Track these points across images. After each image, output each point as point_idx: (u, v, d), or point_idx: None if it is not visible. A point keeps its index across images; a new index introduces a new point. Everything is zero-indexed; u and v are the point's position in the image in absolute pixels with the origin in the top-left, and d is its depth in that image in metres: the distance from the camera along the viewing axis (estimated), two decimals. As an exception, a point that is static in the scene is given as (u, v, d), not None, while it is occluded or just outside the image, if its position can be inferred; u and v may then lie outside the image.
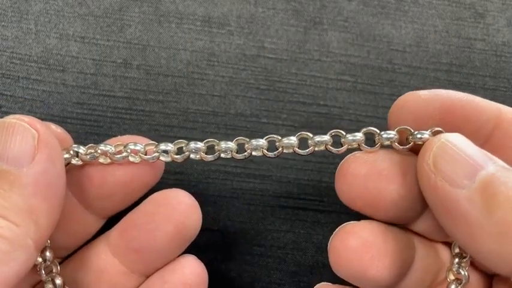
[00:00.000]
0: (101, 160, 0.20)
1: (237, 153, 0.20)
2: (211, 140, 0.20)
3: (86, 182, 0.21)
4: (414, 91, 0.20)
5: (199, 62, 0.25)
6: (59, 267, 0.21)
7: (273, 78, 0.26)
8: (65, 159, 0.20)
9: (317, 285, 0.21)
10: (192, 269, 0.21)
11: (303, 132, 0.20)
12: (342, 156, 0.23)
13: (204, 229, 0.24)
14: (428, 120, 0.19)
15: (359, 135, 0.19)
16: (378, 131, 0.20)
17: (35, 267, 0.20)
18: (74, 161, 0.20)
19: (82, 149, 0.20)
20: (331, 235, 0.25)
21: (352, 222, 0.20)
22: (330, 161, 0.25)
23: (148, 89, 0.25)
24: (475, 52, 0.26)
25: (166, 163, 0.21)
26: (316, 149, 0.20)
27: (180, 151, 0.20)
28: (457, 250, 0.20)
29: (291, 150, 0.20)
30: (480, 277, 0.21)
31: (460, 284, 0.20)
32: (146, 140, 0.21)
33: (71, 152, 0.20)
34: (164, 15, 0.26)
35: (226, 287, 0.25)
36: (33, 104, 0.25)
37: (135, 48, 0.25)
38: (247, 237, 0.25)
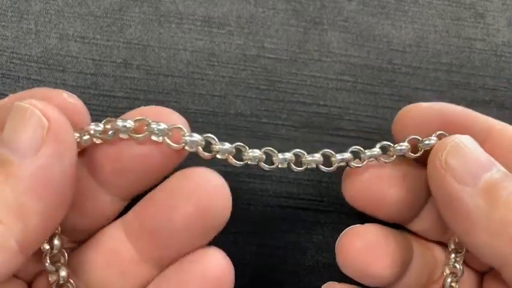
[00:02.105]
0: (122, 136, 0.18)
1: (264, 163, 0.20)
2: (241, 145, 0.20)
3: (100, 156, 0.19)
4: (415, 103, 0.22)
5: (199, 62, 0.25)
6: (66, 257, 0.19)
7: (273, 78, 0.26)
8: (83, 140, 0.18)
9: (324, 285, 0.23)
10: (215, 261, 0.19)
11: (326, 150, 0.21)
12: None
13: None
14: (429, 129, 0.21)
15: (376, 150, 0.21)
16: (392, 144, 0.21)
17: (40, 254, 0.19)
18: (94, 140, 0.18)
19: (100, 127, 0.18)
20: (331, 235, 0.25)
21: (357, 225, 0.22)
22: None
23: (148, 89, 0.25)
24: (475, 52, 0.26)
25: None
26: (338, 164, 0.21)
27: (207, 147, 0.19)
28: (452, 246, 0.22)
29: (314, 166, 0.21)
30: (473, 274, 0.23)
31: (455, 277, 0.22)
32: (169, 114, 0.19)
33: (90, 131, 0.18)
34: (164, 15, 0.26)
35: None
36: (33, 104, 0.25)
37: (135, 48, 0.25)
38: (248, 237, 0.25)
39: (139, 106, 0.25)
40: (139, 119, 0.19)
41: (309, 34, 0.26)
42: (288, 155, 0.20)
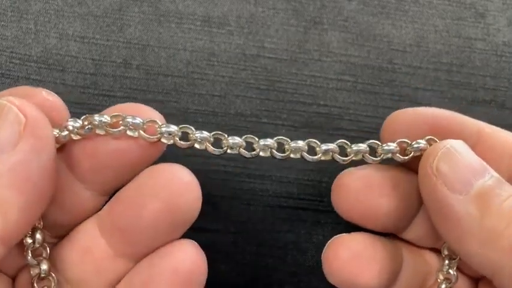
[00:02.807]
0: (98, 131, 0.19)
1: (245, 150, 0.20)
2: (219, 133, 0.20)
3: (78, 152, 0.19)
4: (403, 109, 0.21)
5: (199, 62, 0.25)
6: (48, 251, 0.20)
7: (273, 78, 0.26)
8: (62, 136, 0.19)
9: (334, 237, 0.22)
10: (186, 254, 0.19)
11: (311, 140, 0.20)
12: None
13: (204, 229, 0.24)
14: (418, 135, 0.20)
15: (363, 146, 0.21)
16: (380, 143, 0.21)
17: (23, 248, 0.19)
18: (72, 136, 0.19)
19: (78, 123, 0.19)
20: (331, 235, 0.25)
21: (343, 234, 0.22)
22: (329, 161, 0.25)
23: (148, 88, 0.25)
24: (476, 52, 0.26)
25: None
26: (323, 158, 0.21)
27: (185, 137, 0.19)
28: (446, 252, 0.22)
29: (298, 155, 0.20)
30: (467, 281, 0.22)
31: (449, 283, 0.22)
32: (146, 110, 0.19)
33: (68, 127, 0.19)
34: (164, 15, 0.26)
35: (226, 287, 0.25)
36: (32, 104, 0.25)
37: (135, 48, 0.25)
38: (248, 237, 0.25)
39: (139, 106, 0.25)
40: (116, 115, 0.19)
41: (309, 34, 0.26)
42: (270, 141, 0.20)
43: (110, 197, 0.20)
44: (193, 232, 0.24)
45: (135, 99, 0.25)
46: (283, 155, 0.20)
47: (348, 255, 0.21)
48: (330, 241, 0.22)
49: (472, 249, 0.18)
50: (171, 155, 0.25)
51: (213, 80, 0.25)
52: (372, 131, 0.25)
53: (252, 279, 0.25)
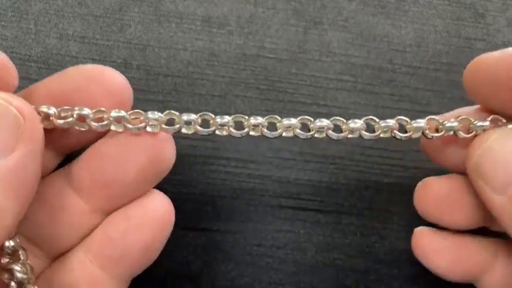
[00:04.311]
0: (78, 128, 0.18)
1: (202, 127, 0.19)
2: (172, 112, 0.19)
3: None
4: (485, 54, 0.19)
5: (199, 62, 0.25)
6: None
7: (273, 78, 0.26)
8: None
9: (416, 229, 0.22)
10: (161, 204, 0.20)
11: (272, 115, 0.20)
12: (341, 157, 0.23)
13: (204, 229, 0.24)
14: (500, 82, 0.18)
15: (423, 122, 0.20)
16: (441, 121, 0.20)
17: None
18: (44, 124, 0.18)
19: (53, 110, 0.18)
20: (331, 235, 0.25)
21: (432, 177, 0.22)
22: (329, 161, 0.25)
23: (149, 89, 0.25)
24: (475, 52, 0.26)
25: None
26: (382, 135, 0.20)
27: (170, 122, 0.19)
28: None
29: (258, 133, 0.20)
30: None
31: None
32: (110, 75, 0.19)
33: (40, 113, 0.18)
34: (164, 15, 0.26)
35: (226, 287, 0.25)
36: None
37: (135, 48, 0.25)
38: (247, 237, 0.25)
39: (139, 106, 0.25)
40: (99, 110, 0.18)
41: (309, 34, 0.26)
42: (227, 118, 0.19)
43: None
44: (194, 232, 0.24)
45: (135, 99, 0.25)
46: (242, 131, 0.19)
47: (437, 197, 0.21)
48: (419, 183, 0.22)
49: None
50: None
51: (213, 80, 0.25)
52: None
53: (252, 279, 0.25)
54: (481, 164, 0.18)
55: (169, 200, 0.20)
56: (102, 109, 0.18)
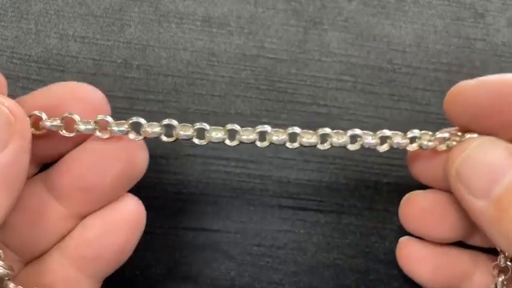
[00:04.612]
0: (63, 132, 0.19)
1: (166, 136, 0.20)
2: (138, 119, 0.20)
3: None
4: (465, 81, 0.20)
5: (199, 62, 0.25)
6: None
7: (273, 78, 0.26)
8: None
9: (401, 238, 0.23)
10: (133, 207, 0.21)
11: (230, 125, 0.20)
12: (341, 157, 0.23)
13: (204, 229, 0.24)
14: (480, 108, 0.19)
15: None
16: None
17: None
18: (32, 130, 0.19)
19: (44, 115, 0.19)
20: (331, 235, 0.25)
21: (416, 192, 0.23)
22: (329, 161, 0.25)
23: (148, 89, 0.25)
24: (475, 52, 0.26)
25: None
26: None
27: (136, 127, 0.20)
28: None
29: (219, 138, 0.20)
30: None
31: (506, 274, 0.22)
32: (88, 92, 0.20)
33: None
34: (164, 15, 0.26)
35: (226, 287, 0.25)
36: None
37: (135, 48, 0.25)
38: (247, 237, 0.25)
39: (139, 106, 0.25)
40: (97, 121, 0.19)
41: (309, 34, 0.26)
42: (190, 129, 0.20)
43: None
44: (194, 232, 0.24)
45: (135, 99, 0.25)
46: (202, 141, 0.20)
47: (420, 211, 0.22)
48: (404, 197, 0.23)
49: (502, 248, 0.19)
50: (172, 154, 0.25)
51: (213, 80, 0.25)
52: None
53: (252, 279, 0.25)
54: (461, 171, 0.19)
55: (142, 204, 0.21)
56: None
